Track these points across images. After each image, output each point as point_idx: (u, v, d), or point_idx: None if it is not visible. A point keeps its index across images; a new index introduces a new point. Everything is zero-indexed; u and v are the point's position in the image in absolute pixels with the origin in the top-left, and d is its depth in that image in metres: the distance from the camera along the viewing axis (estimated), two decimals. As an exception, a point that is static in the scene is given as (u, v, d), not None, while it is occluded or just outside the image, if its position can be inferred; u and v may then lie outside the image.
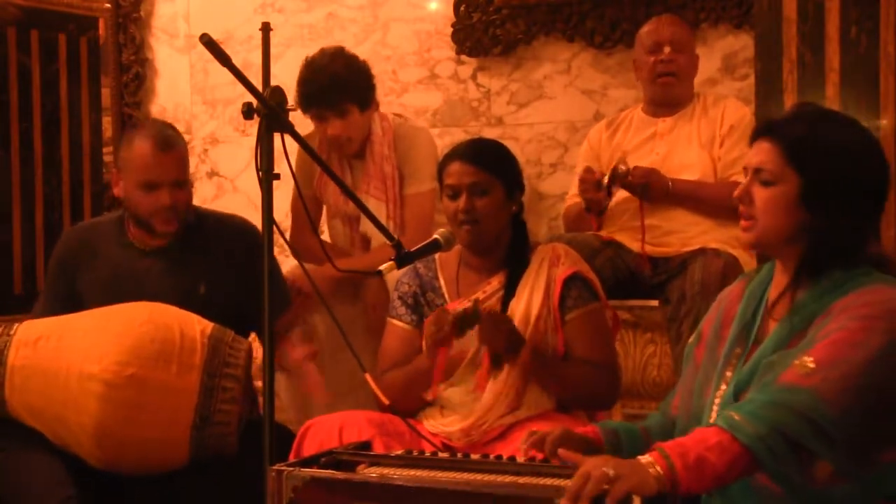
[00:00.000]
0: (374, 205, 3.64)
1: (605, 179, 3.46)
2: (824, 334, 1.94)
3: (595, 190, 3.50)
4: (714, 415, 2.07)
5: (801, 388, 1.88)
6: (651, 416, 2.33)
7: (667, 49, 3.63)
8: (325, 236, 4.00)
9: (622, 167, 3.46)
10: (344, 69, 3.66)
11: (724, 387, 2.09)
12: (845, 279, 2.00)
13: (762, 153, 2.04)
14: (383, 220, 3.62)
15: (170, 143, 3.02)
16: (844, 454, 1.88)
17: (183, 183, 3.06)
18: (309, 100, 3.68)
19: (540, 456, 2.10)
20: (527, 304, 2.75)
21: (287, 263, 3.82)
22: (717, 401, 2.09)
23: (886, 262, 2.04)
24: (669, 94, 3.69)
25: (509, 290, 2.78)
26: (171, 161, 3.01)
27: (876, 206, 2.06)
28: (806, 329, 1.99)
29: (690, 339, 2.28)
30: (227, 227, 3.17)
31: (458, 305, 2.77)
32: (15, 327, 2.88)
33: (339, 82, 3.63)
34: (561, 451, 2.02)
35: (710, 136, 3.62)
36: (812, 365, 1.89)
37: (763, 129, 2.07)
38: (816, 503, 1.94)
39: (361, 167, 3.75)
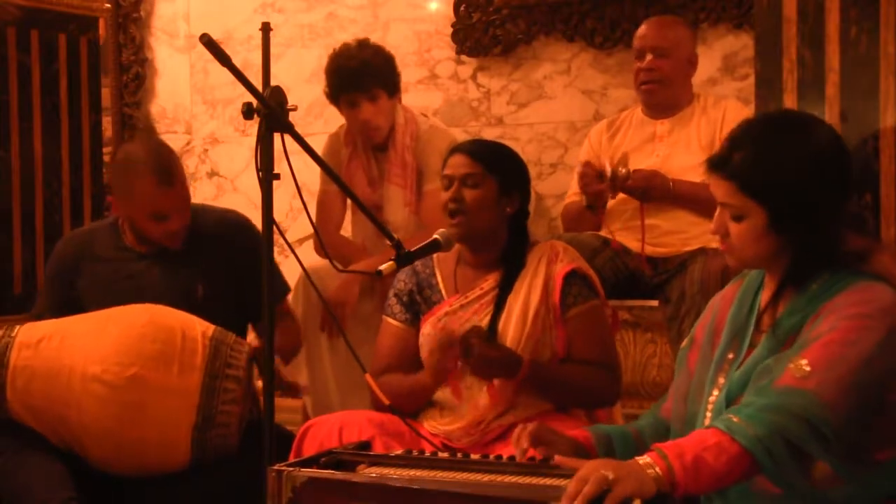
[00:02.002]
0: (394, 192, 3.77)
1: (608, 169, 3.45)
2: (816, 335, 1.94)
3: (597, 182, 3.49)
4: (707, 421, 2.07)
5: (799, 391, 1.89)
6: (643, 416, 2.33)
7: (648, 56, 3.63)
8: (348, 229, 4.01)
9: (622, 170, 3.46)
10: (373, 56, 3.78)
11: (716, 392, 2.09)
12: (832, 282, 2.01)
13: (722, 189, 2.05)
14: (401, 206, 3.74)
15: (171, 176, 3.00)
16: (842, 455, 1.89)
17: (184, 209, 3.06)
18: (342, 87, 3.77)
19: (539, 455, 2.11)
20: (524, 300, 2.74)
21: (286, 264, 3.82)
22: (709, 406, 2.09)
23: (863, 256, 2.04)
24: (653, 100, 3.69)
25: (506, 287, 2.77)
26: (174, 194, 3.02)
27: (843, 200, 2.06)
28: (795, 336, 2.00)
29: (683, 343, 2.29)
30: (223, 224, 3.18)
31: (455, 301, 2.76)
32: (16, 329, 2.89)
33: (369, 68, 3.75)
34: (558, 457, 2.02)
35: (710, 138, 3.61)
36: (808, 368, 1.90)
37: (716, 164, 2.07)
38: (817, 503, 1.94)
39: (385, 158, 3.83)
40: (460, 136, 4.49)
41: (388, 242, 2.62)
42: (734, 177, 2.03)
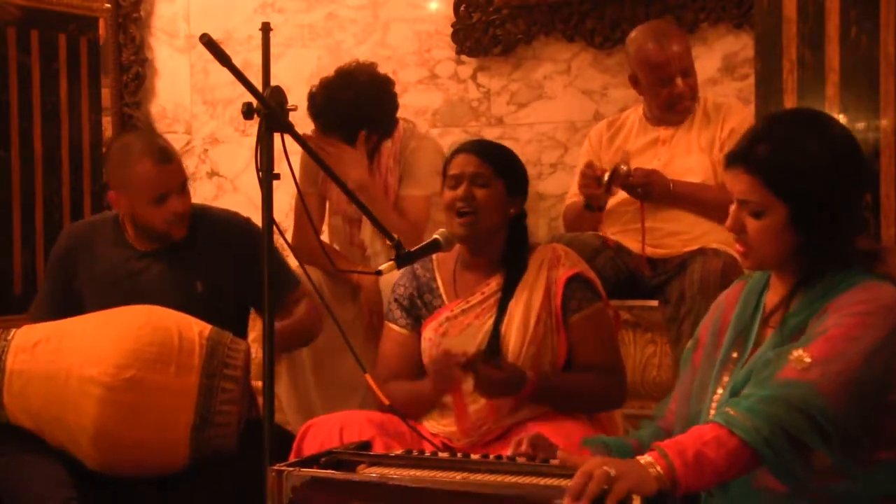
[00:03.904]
0: None
1: (606, 177, 3.45)
2: (820, 331, 1.95)
3: (595, 186, 3.49)
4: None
5: (799, 382, 1.89)
6: (643, 424, 2.32)
7: (679, 81, 3.58)
8: (325, 235, 4.00)
9: (623, 167, 3.45)
10: (350, 109, 3.65)
11: (720, 391, 2.09)
12: (838, 281, 2.00)
13: (742, 184, 2.03)
14: None
15: (167, 154, 3.07)
16: (841, 449, 1.89)
17: (185, 185, 3.11)
18: (309, 107, 3.72)
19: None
20: (526, 305, 2.74)
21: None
22: (713, 405, 2.09)
23: (876, 256, 2.04)
24: (685, 114, 3.67)
25: (507, 292, 2.77)
26: (173, 171, 3.06)
27: (860, 199, 2.07)
28: (801, 333, 2.00)
29: (688, 344, 2.28)
30: (224, 224, 3.19)
31: (456, 307, 2.76)
32: (13, 332, 2.89)
33: (339, 122, 3.66)
34: (561, 453, 2.02)
35: (710, 140, 3.61)
36: (808, 360, 1.90)
37: (737, 158, 2.05)
38: (819, 499, 1.94)
39: (369, 167, 3.75)
40: (460, 136, 4.49)
41: (387, 242, 2.63)
42: (758, 172, 2.01)
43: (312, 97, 3.71)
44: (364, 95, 3.68)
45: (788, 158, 2.00)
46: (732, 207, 2.07)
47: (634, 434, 2.28)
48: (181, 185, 3.08)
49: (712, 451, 1.85)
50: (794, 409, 1.86)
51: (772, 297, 2.12)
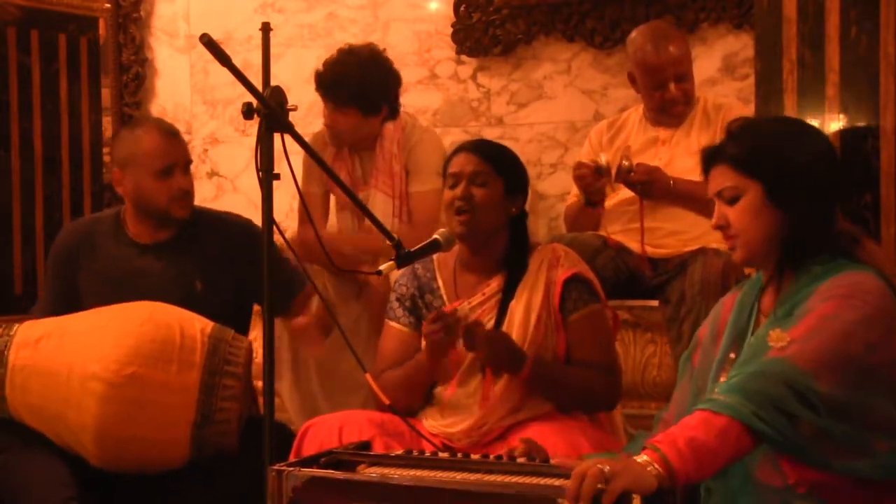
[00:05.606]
0: (381, 199, 3.73)
1: (603, 160, 3.43)
2: (800, 314, 1.99)
3: (594, 179, 3.48)
4: None
5: (779, 359, 1.92)
6: (636, 437, 2.32)
7: (672, 86, 3.58)
8: (333, 228, 4.01)
9: (625, 163, 3.45)
10: (359, 74, 3.72)
11: (717, 391, 2.10)
12: (821, 272, 2.04)
13: (717, 179, 2.13)
14: (390, 216, 3.69)
15: (173, 129, 3.18)
16: (836, 420, 1.90)
17: (189, 166, 3.17)
18: (318, 85, 3.79)
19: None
20: (526, 305, 2.74)
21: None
22: None
23: (859, 241, 2.09)
24: (679, 118, 3.67)
25: (508, 292, 2.77)
26: (179, 144, 3.16)
27: (837, 191, 2.12)
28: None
29: (687, 349, 2.30)
30: (224, 224, 3.20)
31: (457, 305, 2.77)
32: (15, 328, 2.89)
33: (347, 85, 3.71)
34: (557, 459, 2.02)
35: (710, 140, 3.58)
36: (788, 338, 1.95)
37: (707, 159, 2.15)
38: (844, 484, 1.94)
39: (371, 159, 3.80)
40: (460, 136, 4.49)
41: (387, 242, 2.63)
42: (727, 159, 2.10)
43: (320, 77, 3.77)
44: (368, 67, 3.75)
45: (752, 140, 2.11)
46: (715, 206, 2.14)
47: (627, 450, 2.27)
48: (186, 162, 3.14)
49: (701, 433, 1.85)
50: (776, 380, 1.89)
51: (766, 301, 2.14)
